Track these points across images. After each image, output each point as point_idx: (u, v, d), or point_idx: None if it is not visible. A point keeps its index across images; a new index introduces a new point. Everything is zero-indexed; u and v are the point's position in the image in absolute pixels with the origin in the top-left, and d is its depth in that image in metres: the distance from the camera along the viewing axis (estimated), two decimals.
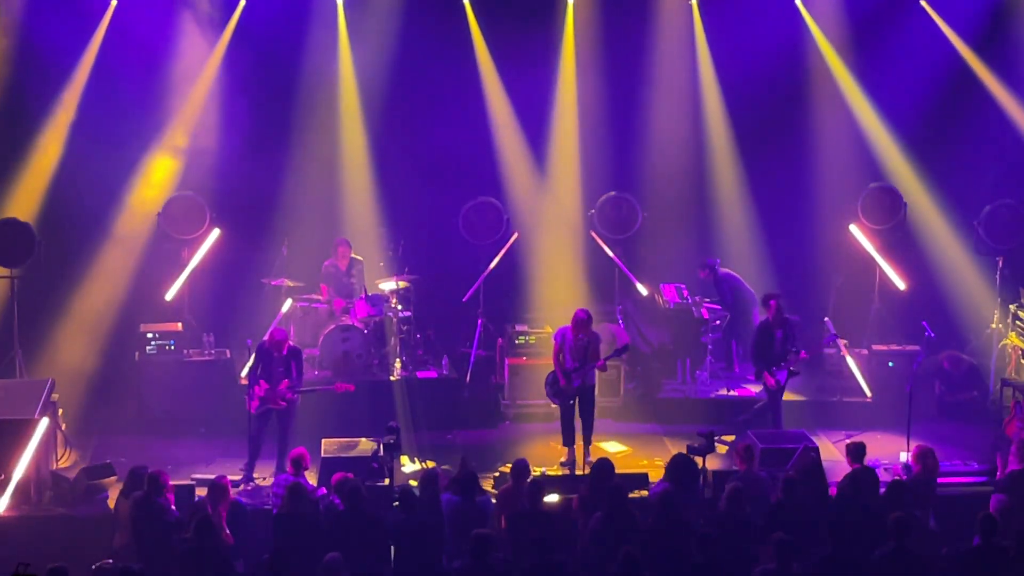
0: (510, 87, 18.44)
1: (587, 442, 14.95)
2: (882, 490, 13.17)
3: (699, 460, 13.02)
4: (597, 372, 14.91)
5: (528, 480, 12.76)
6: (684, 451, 13.18)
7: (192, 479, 14.01)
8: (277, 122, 17.73)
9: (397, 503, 12.44)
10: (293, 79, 17.85)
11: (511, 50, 18.31)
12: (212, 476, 13.07)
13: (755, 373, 15.59)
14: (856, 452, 13.10)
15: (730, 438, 15.41)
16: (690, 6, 18.47)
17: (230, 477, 13.11)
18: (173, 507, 12.44)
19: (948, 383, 16.84)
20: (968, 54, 18.30)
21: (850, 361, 16.82)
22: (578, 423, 14.94)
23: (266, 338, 14.75)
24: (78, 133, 17.25)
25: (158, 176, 17.44)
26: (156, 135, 17.46)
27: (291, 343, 14.84)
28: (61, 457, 14.78)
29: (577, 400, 14.87)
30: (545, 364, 15.13)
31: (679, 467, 12.82)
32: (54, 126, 17.24)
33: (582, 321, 14.65)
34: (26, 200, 17.00)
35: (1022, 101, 18.13)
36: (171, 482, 12.74)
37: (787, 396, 16.63)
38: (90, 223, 17.32)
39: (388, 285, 17.05)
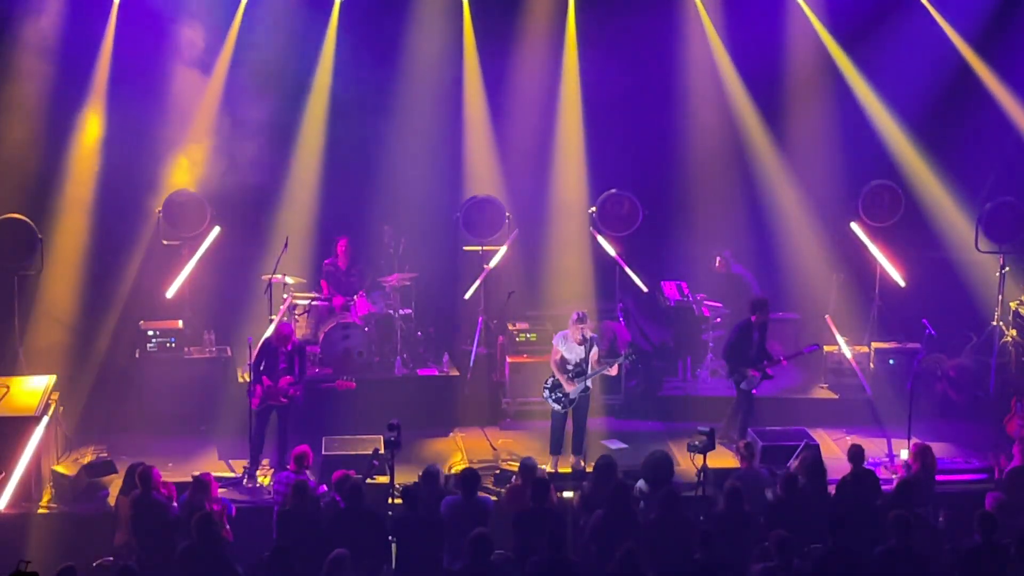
0: (512, 83, 18.40)
1: (578, 450, 14.81)
2: (882, 488, 13.20)
3: (700, 457, 13.02)
4: (594, 379, 14.90)
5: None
6: (685, 448, 13.20)
7: (192, 477, 13.99)
8: (278, 119, 17.68)
9: (399, 500, 12.45)
10: (293, 76, 17.81)
11: (512, 45, 18.27)
12: (214, 474, 13.10)
13: (728, 370, 15.51)
14: (856, 456, 13.10)
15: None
16: (693, 3, 18.45)
17: (216, 474, 13.12)
18: (175, 504, 12.47)
19: (953, 387, 16.81)
20: (968, 52, 18.27)
21: (851, 358, 16.80)
22: (569, 429, 14.87)
23: (271, 333, 14.74)
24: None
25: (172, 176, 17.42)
26: (160, 133, 17.43)
27: (296, 339, 14.85)
28: (62, 455, 14.78)
29: (572, 407, 14.78)
30: (547, 362, 15.10)
31: (652, 465, 12.82)
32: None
33: (582, 319, 14.60)
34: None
35: (1022, 99, 18.12)
36: (171, 480, 12.77)
37: (787, 395, 16.66)
38: (92, 221, 17.30)
39: (389, 282, 17.06)
